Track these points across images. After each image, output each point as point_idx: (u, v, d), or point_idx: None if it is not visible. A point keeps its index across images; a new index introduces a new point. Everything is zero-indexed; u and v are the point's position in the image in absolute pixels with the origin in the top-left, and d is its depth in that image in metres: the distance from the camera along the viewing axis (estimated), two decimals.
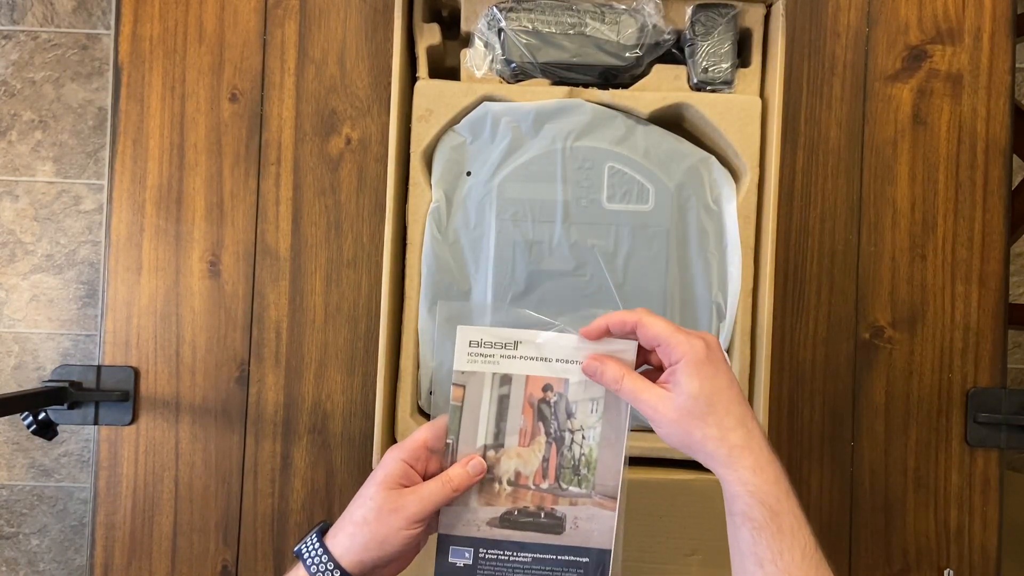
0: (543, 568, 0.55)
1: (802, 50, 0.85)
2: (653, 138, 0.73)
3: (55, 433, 0.82)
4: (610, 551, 0.55)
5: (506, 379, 0.56)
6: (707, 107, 0.72)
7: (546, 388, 0.56)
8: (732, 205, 0.73)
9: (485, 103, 0.72)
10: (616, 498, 0.55)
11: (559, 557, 0.55)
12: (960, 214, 0.84)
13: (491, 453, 0.56)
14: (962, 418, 0.84)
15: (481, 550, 0.55)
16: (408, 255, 0.72)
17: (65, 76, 1.57)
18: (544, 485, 0.55)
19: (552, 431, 0.55)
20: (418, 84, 0.72)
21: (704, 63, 0.73)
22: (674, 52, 0.75)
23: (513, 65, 0.73)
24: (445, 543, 0.55)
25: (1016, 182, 1.05)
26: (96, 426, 0.83)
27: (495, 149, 0.72)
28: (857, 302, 0.84)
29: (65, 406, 0.82)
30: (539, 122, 0.71)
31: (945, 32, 0.85)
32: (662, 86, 0.73)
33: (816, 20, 0.85)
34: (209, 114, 0.84)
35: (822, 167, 0.85)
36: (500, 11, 0.72)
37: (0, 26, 1.57)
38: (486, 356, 0.56)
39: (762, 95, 0.74)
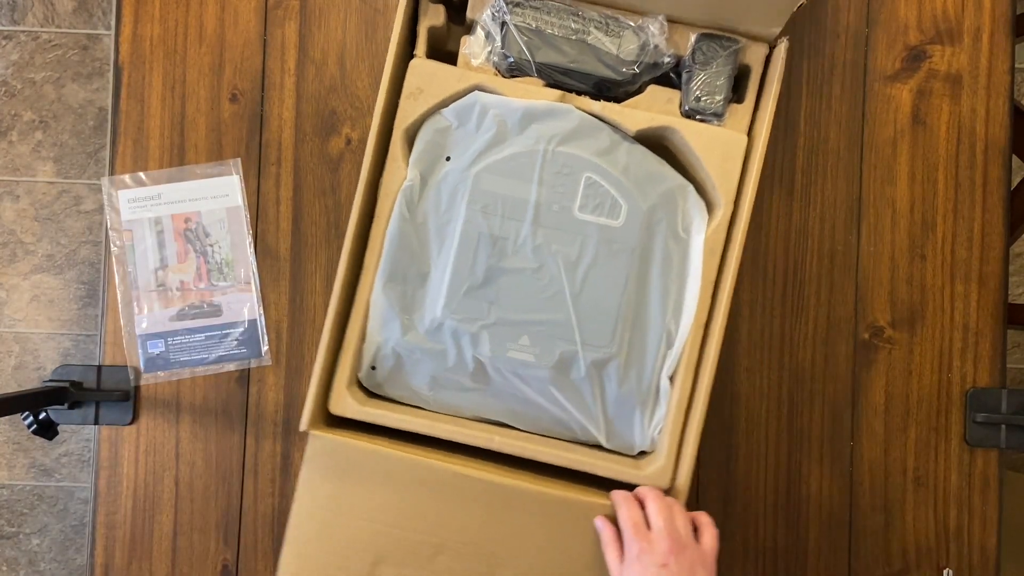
0: (214, 341, 0.82)
1: (802, 50, 0.85)
2: (635, 156, 0.72)
3: (55, 433, 0.82)
4: (256, 319, 0.81)
5: (158, 220, 0.81)
6: (693, 136, 0.72)
7: (187, 220, 0.82)
8: (700, 237, 0.72)
9: (476, 92, 0.72)
10: (251, 283, 0.81)
11: (224, 331, 0.82)
12: (960, 214, 0.84)
13: (160, 273, 0.81)
14: (961, 418, 0.84)
15: (169, 339, 0.82)
16: (373, 228, 0.71)
17: (66, 76, 1.57)
18: (202, 285, 0.82)
19: (198, 248, 0.81)
20: (413, 62, 0.72)
21: (698, 92, 0.73)
22: (671, 75, 0.75)
23: (510, 60, 0.72)
24: (143, 340, 0.81)
25: (1016, 182, 1.05)
26: (96, 426, 0.84)
27: (478, 139, 0.71)
28: (857, 302, 0.85)
29: (65, 406, 0.82)
30: (526, 120, 0.71)
31: (944, 32, 0.85)
32: (653, 107, 0.73)
33: (816, 20, 0.85)
34: (209, 114, 0.85)
35: (822, 167, 0.85)
36: (507, 4, 0.72)
37: (0, 26, 1.58)
38: (141, 207, 0.81)
39: (750, 134, 0.74)
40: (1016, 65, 0.86)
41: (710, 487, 0.84)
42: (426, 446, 0.71)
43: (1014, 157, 0.89)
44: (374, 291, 0.71)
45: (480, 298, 0.70)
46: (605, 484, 0.70)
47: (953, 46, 0.85)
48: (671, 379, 0.72)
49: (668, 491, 0.70)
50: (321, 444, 0.67)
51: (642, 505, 0.66)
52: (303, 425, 0.67)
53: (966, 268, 0.84)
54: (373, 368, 0.73)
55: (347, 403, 0.70)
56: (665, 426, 0.71)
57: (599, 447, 0.74)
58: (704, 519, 0.67)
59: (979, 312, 0.84)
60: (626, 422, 0.73)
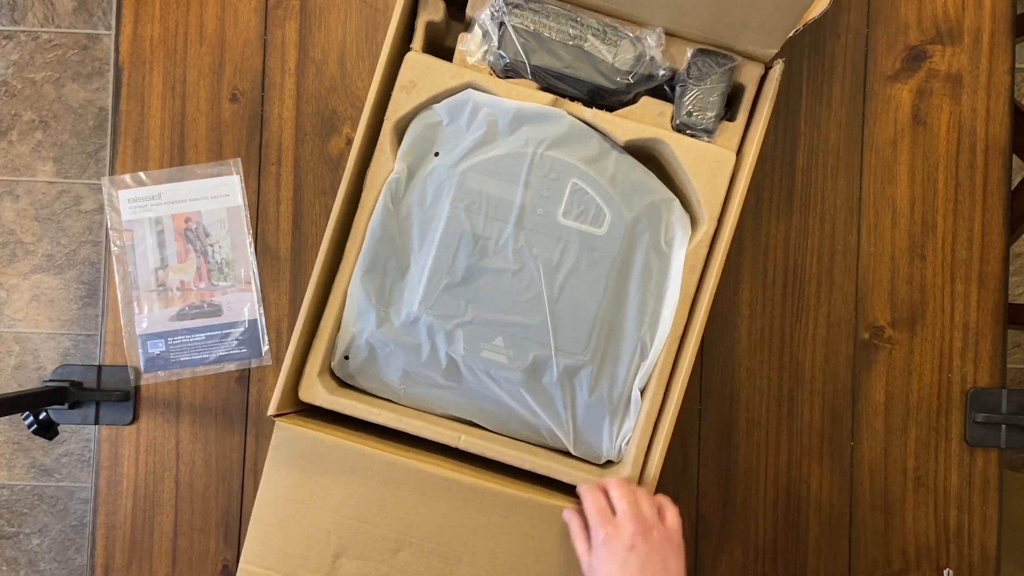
0: (214, 341, 0.82)
1: (802, 50, 0.85)
2: (623, 166, 0.72)
3: (56, 433, 0.82)
4: (256, 319, 0.82)
5: (158, 220, 0.82)
6: (682, 150, 0.71)
7: (187, 220, 0.82)
8: (682, 251, 0.72)
9: (469, 90, 0.72)
10: (252, 283, 0.82)
11: (224, 331, 0.82)
12: (960, 214, 0.84)
13: (160, 272, 0.82)
14: (961, 418, 0.84)
15: (169, 339, 0.82)
16: (356, 218, 0.71)
17: (66, 76, 1.57)
18: (202, 285, 0.82)
19: (198, 248, 0.82)
20: (408, 55, 0.72)
21: (690, 107, 0.73)
22: (665, 88, 0.75)
23: (505, 60, 0.72)
24: (144, 340, 0.82)
25: (1016, 182, 1.05)
26: (97, 426, 0.84)
27: (468, 137, 0.71)
28: (857, 302, 0.85)
29: (66, 406, 0.82)
30: (517, 122, 0.71)
31: (945, 32, 0.85)
32: (645, 118, 0.73)
33: (816, 20, 0.85)
34: (210, 114, 0.85)
35: (822, 167, 0.85)
36: (506, 5, 0.72)
37: (0, 26, 1.58)
38: (141, 207, 0.82)
39: (739, 153, 0.73)
40: (1016, 65, 0.86)
41: (710, 487, 0.84)
42: (394, 438, 0.71)
43: (1014, 157, 0.89)
44: (352, 281, 0.71)
45: (458, 296, 0.70)
46: (569, 489, 0.70)
47: (953, 46, 0.85)
48: (642, 391, 0.72)
49: None
50: (286, 434, 0.67)
51: (606, 494, 0.66)
52: (270, 410, 0.67)
53: (966, 268, 0.84)
54: (346, 358, 0.73)
55: (317, 391, 0.70)
56: (633, 437, 0.71)
57: (566, 453, 0.74)
58: (664, 500, 0.68)
59: (979, 312, 0.84)
60: (595, 430, 0.73)
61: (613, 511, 0.65)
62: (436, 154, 0.72)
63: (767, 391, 0.84)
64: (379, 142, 0.72)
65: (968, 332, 0.84)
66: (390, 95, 0.72)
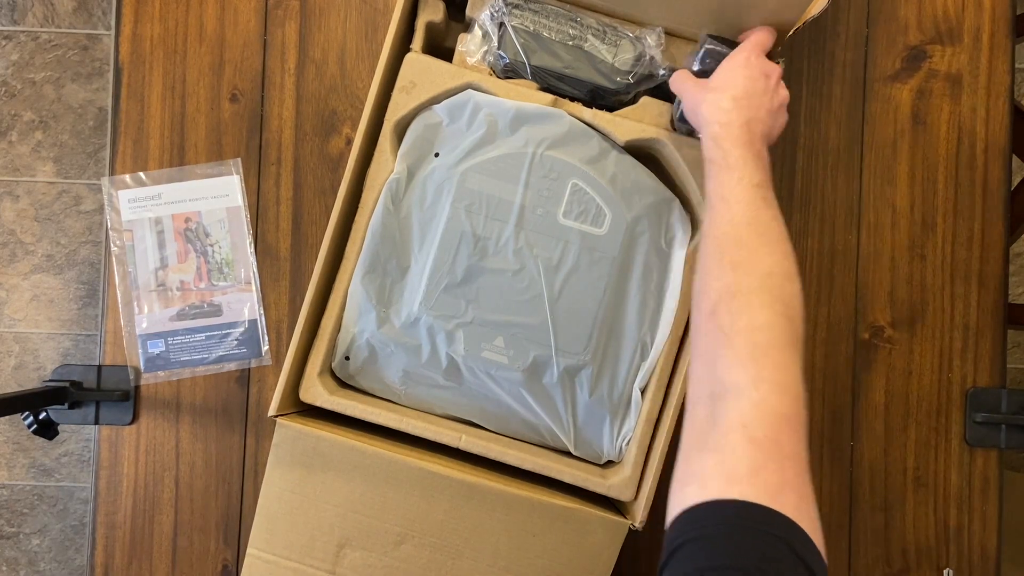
0: (214, 340, 0.83)
1: (802, 50, 0.85)
2: (623, 166, 0.72)
3: (56, 433, 0.82)
4: (256, 319, 0.82)
5: (158, 220, 0.82)
6: (682, 150, 0.72)
7: (187, 220, 0.82)
8: (682, 251, 0.72)
9: (469, 90, 0.72)
10: (252, 283, 0.82)
11: (224, 331, 0.82)
12: (959, 214, 0.84)
13: (161, 273, 0.82)
14: (961, 418, 0.84)
15: (169, 339, 0.82)
16: (356, 218, 0.71)
17: (65, 76, 1.57)
18: (202, 285, 0.83)
19: (198, 248, 0.82)
20: (408, 56, 0.72)
21: None
22: (665, 88, 0.75)
23: (505, 61, 0.72)
24: (143, 340, 0.82)
25: (1016, 182, 1.05)
26: (96, 426, 0.84)
27: (468, 137, 0.71)
28: (857, 302, 0.85)
29: (66, 406, 0.82)
30: (517, 122, 0.71)
31: (944, 32, 0.85)
32: (645, 118, 0.73)
33: (816, 20, 0.85)
34: (209, 114, 0.85)
35: (822, 167, 0.85)
36: (506, 6, 0.72)
37: (0, 26, 1.58)
38: (141, 207, 0.82)
39: None
40: (1016, 65, 0.86)
41: None
42: (395, 439, 0.71)
43: (1014, 157, 0.89)
44: (352, 281, 0.71)
45: (458, 296, 0.70)
46: (569, 489, 0.71)
47: (953, 46, 0.85)
48: (642, 391, 0.72)
49: (632, 503, 0.70)
50: (287, 433, 0.67)
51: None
52: (271, 411, 0.67)
53: (966, 268, 0.84)
54: (347, 358, 0.73)
55: (318, 391, 0.70)
56: (634, 437, 0.71)
57: (567, 453, 0.74)
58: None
59: (979, 312, 0.84)
60: (595, 430, 0.73)
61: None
62: (436, 154, 0.72)
63: None
64: (379, 143, 0.72)
65: (968, 332, 0.84)
66: (390, 95, 0.72)
